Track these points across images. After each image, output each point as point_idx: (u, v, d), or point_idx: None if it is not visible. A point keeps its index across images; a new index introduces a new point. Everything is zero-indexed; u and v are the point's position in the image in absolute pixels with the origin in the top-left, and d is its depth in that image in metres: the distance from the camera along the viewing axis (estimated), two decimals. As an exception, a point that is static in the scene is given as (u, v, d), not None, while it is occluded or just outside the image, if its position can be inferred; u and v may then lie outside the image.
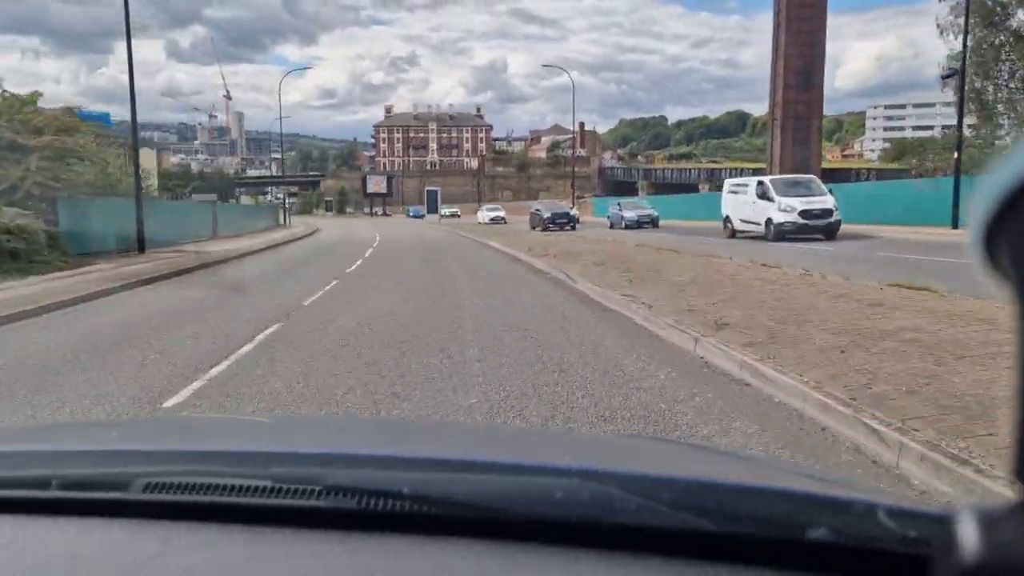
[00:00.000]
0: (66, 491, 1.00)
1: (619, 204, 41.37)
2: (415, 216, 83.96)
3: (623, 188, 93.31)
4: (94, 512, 0.97)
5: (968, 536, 0.44)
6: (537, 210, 40.77)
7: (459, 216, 74.19)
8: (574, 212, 40.47)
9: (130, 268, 17.64)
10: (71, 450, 1.21)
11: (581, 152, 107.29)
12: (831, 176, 53.86)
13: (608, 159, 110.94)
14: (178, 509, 0.95)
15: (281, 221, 63.89)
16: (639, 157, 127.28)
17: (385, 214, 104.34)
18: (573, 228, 37.39)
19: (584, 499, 0.86)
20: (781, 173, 59.20)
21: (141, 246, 22.67)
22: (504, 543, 0.85)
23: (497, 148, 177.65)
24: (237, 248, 28.43)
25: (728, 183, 29.32)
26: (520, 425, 4.74)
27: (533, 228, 38.70)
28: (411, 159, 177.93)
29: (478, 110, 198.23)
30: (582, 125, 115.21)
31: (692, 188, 77.31)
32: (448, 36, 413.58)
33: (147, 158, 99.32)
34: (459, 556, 0.83)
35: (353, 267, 18.47)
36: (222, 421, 2.86)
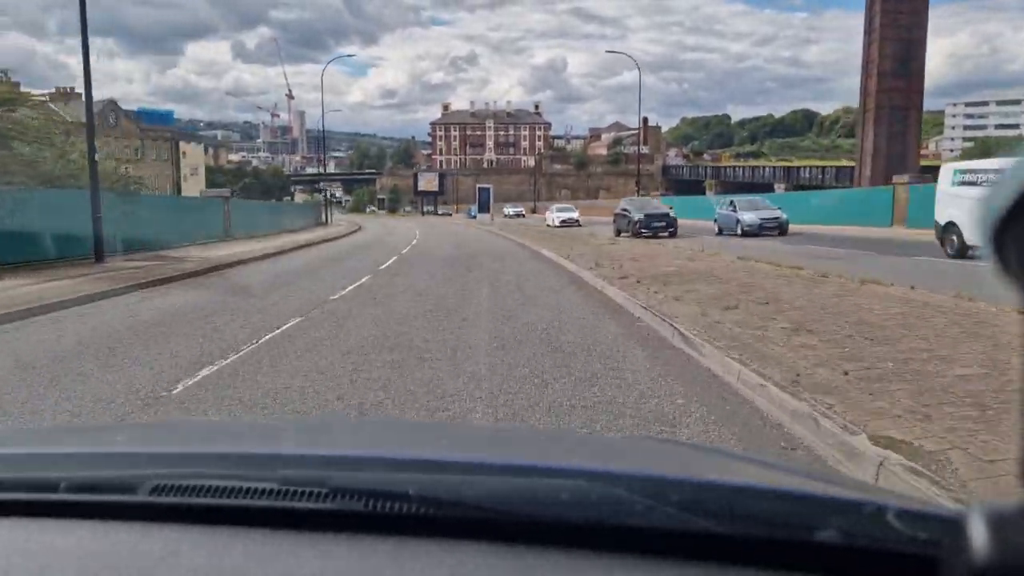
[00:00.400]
0: (74, 493, 1.00)
1: (732, 203, 31.00)
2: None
3: (688, 187, 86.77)
4: (102, 515, 0.96)
5: (978, 537, 0.43)
6: (624, 211, 31.92)
7: (523, 216, 68.22)
8: (672, 214, 30.95)
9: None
10: (79, 452, 1.21)
11: (644, 149, 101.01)
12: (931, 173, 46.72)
13: (672, 156, 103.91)
14: (186, 511, 0.94)
15: (323, 219, 58.74)
16: (705, 155, 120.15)
17: (437, 213, 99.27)
18: (672, 234, 28.94)
19: (591, 501, 0.85)
20: (873, 171, 53.21)
21: (98, 252, 17.48)
22: (511, 545, 0.84)
23: (555, 146, 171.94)
24: (239, 253, 23.14)
25: (954, 170, 18.45)
26: (527, 426, 4.57)
27: (619, 233, 31.08)
28: (467, 157, 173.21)
29: (536, 107, 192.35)
30: (645, 121, 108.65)
31: (765, 188, 70.33)
32: (507, 35, 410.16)
33: (195, 154, 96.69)
34: (466, 558, 0.83)
35: (337, 295, 12.75)
36: (229, 423, 2.96)
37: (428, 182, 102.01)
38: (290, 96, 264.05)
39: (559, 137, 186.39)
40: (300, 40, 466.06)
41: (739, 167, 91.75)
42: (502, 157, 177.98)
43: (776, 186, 69.43)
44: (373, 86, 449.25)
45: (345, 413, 5.04)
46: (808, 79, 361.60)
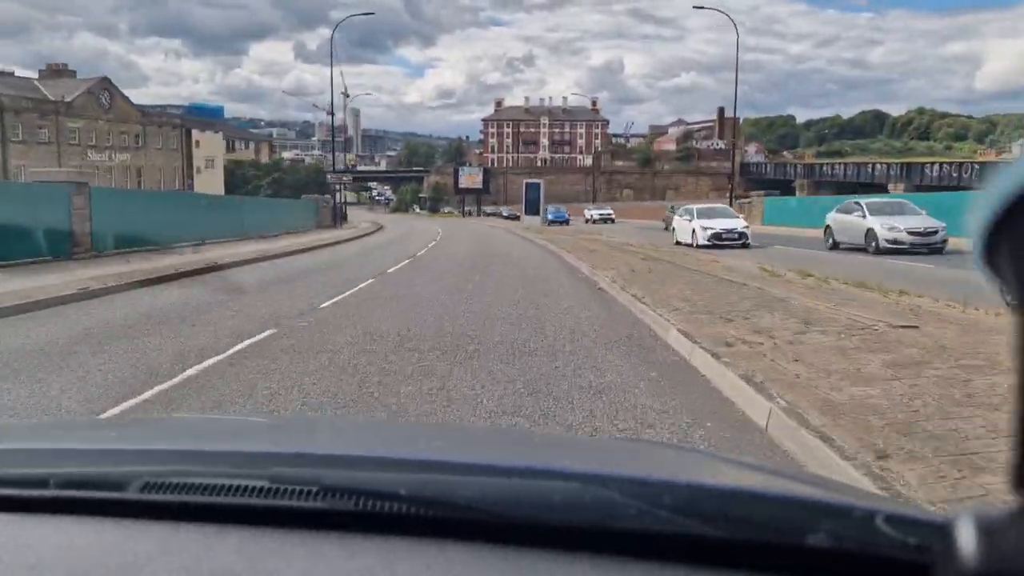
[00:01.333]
0: (64, 490, 0.98)
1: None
2: (557, 219, 55.66)
3: (773, 187, 72.70)
4: (91, 511, 0.95)
5: (967, 543, 0.43)
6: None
7: (613, 221, 56.45)
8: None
9: None
10: (69, 448, 1.19)
11: (719, 144, 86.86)
12: None
13: (753, 153, 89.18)
14: (176, 509, 0.93)
15: (333, 220, 46.90)
16: (785, 153, 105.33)
17: (486, 213, 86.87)
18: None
19: (584, 503, 0.85)
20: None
21: None
22: (502, 547, 0.83)
23: (615, 142, 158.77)
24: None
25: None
26: (520, 427, 4.65)
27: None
28: (520, 155, 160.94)
29: (593, 104, 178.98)
30: (721, 112, 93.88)
31: (877, 188, 56.18)
32: (565, 36, 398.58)
33: (211, 144, 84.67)
34: (457, 559, 0.82)
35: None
36: (220, 421, 2.85)
37: (470, 178, 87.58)
38: (345, 95, 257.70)
39: (618, 135, 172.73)
40: (359, 41, 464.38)
41: (839, 164, 76.07)
42: (557, 156, 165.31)
43: (891, 186, 55.28)
44: (430, 86, 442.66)
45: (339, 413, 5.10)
46: (871, 81, 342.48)
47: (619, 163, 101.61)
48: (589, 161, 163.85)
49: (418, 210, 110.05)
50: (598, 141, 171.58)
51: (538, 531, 0.83)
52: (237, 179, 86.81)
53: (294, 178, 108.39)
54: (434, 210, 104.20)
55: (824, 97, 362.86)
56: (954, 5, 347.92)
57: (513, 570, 0.80)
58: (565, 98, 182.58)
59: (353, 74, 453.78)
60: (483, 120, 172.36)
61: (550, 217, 53.47)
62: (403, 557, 0.82)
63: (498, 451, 1.35)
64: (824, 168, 74.62)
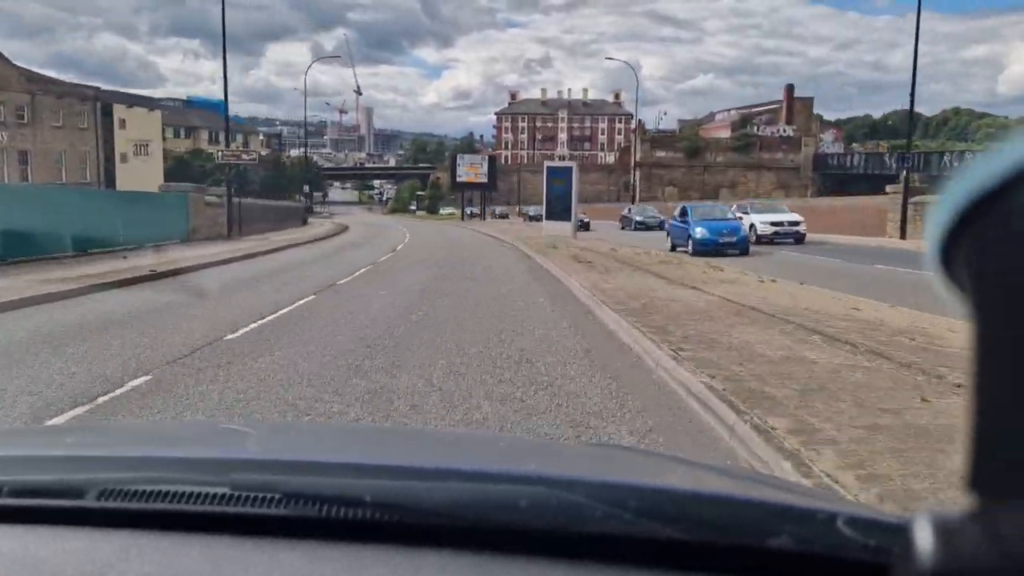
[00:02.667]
0: (18, 498, 0.95)
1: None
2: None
3: (859, 183, 54.88)
4: (48, 520, 0.91)
5: (924, 544, 0.44)
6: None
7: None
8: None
9: None
10: (24, 455, 1.16)
11: (787, 131, 69.08)
12: None
13: (830, 143, 69.98)
14: (135, 517, 0.90)
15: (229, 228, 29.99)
16: (854, 145, 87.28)
17: (495, 214, 69.68)
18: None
19: (550, 507, 0.83)
20: None
21: None
22: (469, 552, 0.81)
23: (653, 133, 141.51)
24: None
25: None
26: (486, 432, 4.50)
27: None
28: (537, 152, 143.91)
29: (616, 97, 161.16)
30: (789, 91, 75.73)
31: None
32: (581, 38, 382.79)
33: (147, 124, 55.78)
34: (423, 565, 0.80)
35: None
36: (181, 426, 2.79)
37: (471, 170, 64.31)
38: (358, 92, 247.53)
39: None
40: (376, 43, 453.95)
41: (955, 153, 57.86)
42: (576, 153, 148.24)
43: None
44: (447, 87, 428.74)
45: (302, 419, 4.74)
46: (890, 84, 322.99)
47: (660, 154, 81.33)
48: (611, 159, 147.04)
49: (416, 210, 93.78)
50: (620, 137, 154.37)
51: (504, 535, 0.81)
52: (196, 171, 69.92)
53: (281, 175, 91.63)
54: (432, 210, 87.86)
55: (844, 100, 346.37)
56: (976, 7, 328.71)
57: (480, 575, 0.78)
58: (585, 90, 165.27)
59: (369, 75, 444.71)
60: (496, 114, 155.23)
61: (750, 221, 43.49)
62: (368, 564, 0.80)
63: (464, 456, 1.32)
64: (944, 160, 56.01)
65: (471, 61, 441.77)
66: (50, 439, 1.57)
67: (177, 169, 74.78)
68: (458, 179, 66.69)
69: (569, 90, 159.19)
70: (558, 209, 29.71)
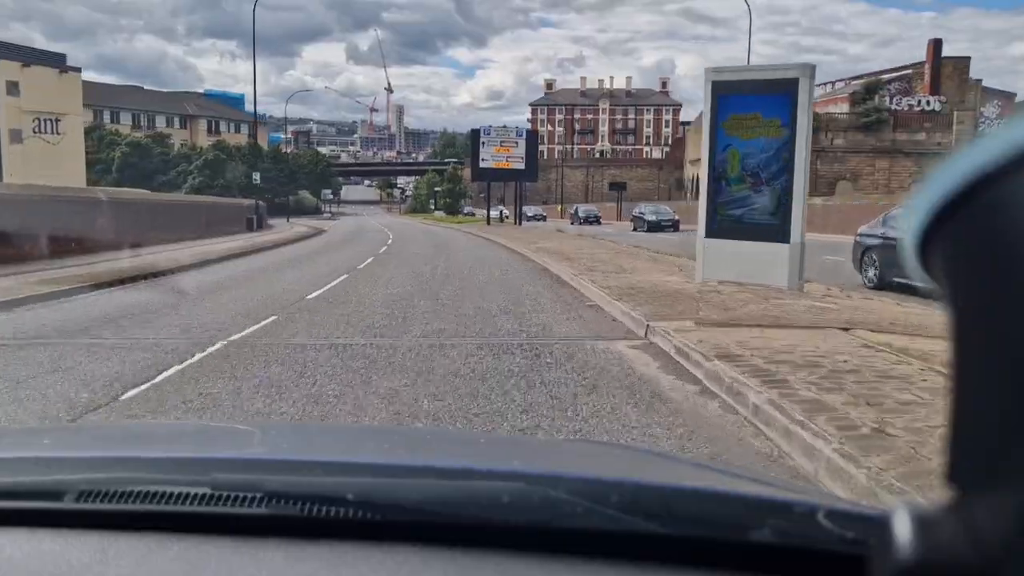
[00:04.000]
0: None
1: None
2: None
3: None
4: (25, 522, 0.88)
5: (903, 536, 0.44)
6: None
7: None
8: None
9: None
10: (0, 457, 1.12)
11: (931, 103, 51.44)
12: None
13: (992, 118, 51.44)
14: (114, 518, 0.87)
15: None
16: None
17: (528, 217, 52.18)
18: None
19: (532, 503, 0.83)
20: None
21: None
22: (452, 549, 0.80)
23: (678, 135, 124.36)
24: None
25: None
26: (467, 429, 4.34)
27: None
28: (575, 147, 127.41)
29: (663, 85, 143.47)
30: (935, 48, 56.75)
31: None
32: (615, 37, 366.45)
33: (50, 87, 26.68)
34: (406, 562, 0.79)
35: None
36: (160, 426, 2.72)
37: (502, 150, 42.54)
38: (389, 90, 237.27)
39: (691, 124, 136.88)
40: (410, 43, 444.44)
41: None
42: (619, 147, 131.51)
43: None
44: (480, 87, 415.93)
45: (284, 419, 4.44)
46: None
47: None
48: (657, 153, 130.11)
49: (434, 210, 77.72)
50: (668, 130, 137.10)
51: (487, 532, 0.81)
52: (155, 161, 54.58)
53: (283, 167, 75.87)
54: (453, 211, 71.89)
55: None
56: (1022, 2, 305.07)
57: (462, 572, 0.78)
58: (629, 78, 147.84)
59: (403, 75, 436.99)
60: (531, 105, 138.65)
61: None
62: (350, 562, 0.79)
63: (446, 453, 1.30)
64: None
65: (504, 61, 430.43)
66: (26, 440, 1.49)
67: (133, 157, 59.56)
68: (482, 163, 42.16)
69: (611, 78, 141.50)
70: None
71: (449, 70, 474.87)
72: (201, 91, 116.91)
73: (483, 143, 42.63)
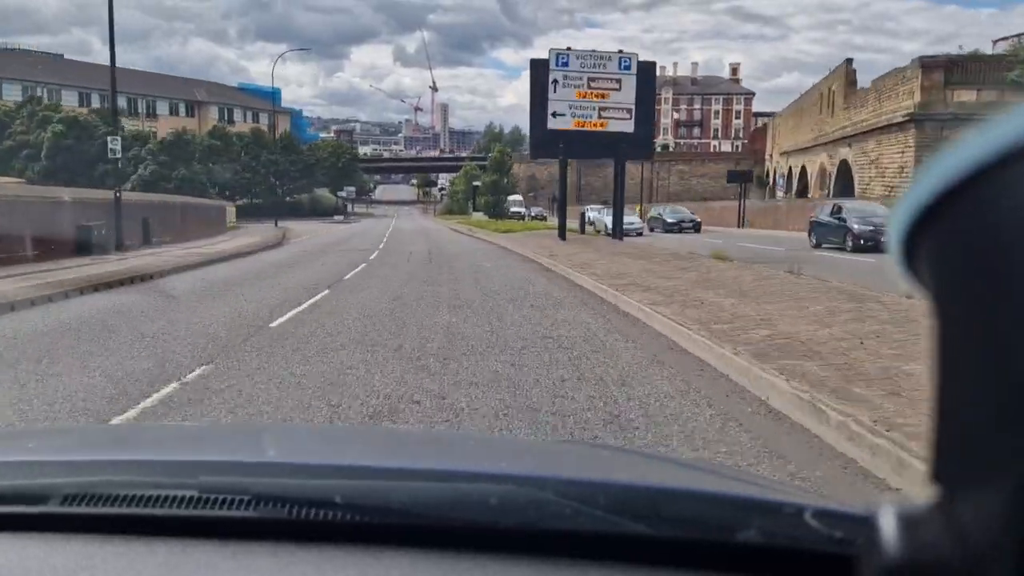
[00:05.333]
0: None
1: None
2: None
3: None
4: (9, 527, 0.86)
5: (889, 535, 0.44)
6: None
7: None
8: None
9: None
10: None
11: None
12: None
13: None
14: (100, 522, 0.85)
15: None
16: None
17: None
18: None
19: (520, 505, 0.82)
20: None
21: None
22: (440, 551, 0.79)
23: (756, 126, 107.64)
24: None
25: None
26: (455, 431, 4.30)
27: None
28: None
29: (733, 72, 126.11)
30: None
31: None
32: (661, 37, 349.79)
33: None
34: (394, 565, 0.77)
35: None
36: (146, 429, 2.65)
37: (592, 100, 22.54)
38: (434, 88, 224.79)
39: (766, 114, 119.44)
40: (456, 44, 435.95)
41: None
42: (684, 141, 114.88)
43: None
44: (525, 89, 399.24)
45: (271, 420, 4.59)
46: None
47: (964, 96, 31.68)
48: (727, 147, 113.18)
49: (472, 212, 61.47)
50: (739, 121, 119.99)
51: (475, 534, 0.80)
52: (99, 146, 39.97)
53: (279, 163, 61.27)
54: (497, 211, 55.48)
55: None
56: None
57: (450, 574, 0.77)
58: (695, 64, 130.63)
59: (448, 76, 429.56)
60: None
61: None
62: (339, 565, 0.78)
63: (433, 455, 1.28)
64: None
65: None
66: (10, 443, 1.45)
67: (67, 139, 45.17)
68: (552, 121, 22.50)
69: (675, 64, 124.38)
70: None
71: (494, 71, 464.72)
72: (235, 84, 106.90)
73: (554, 84, 22.33)
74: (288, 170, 67.27)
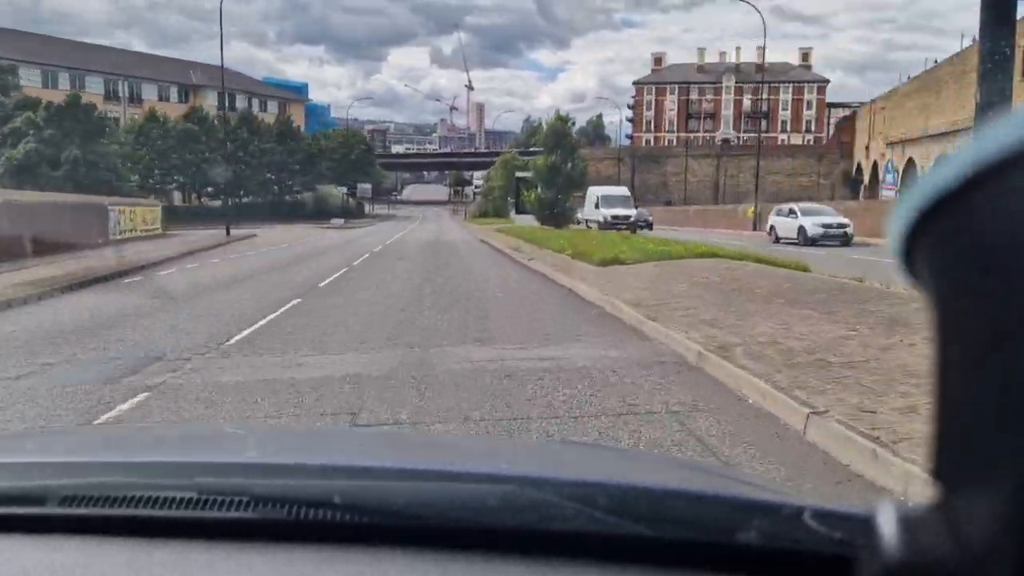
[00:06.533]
0: None
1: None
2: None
3: None
4: (7, 528, 0.85)
5: (889, 536, 0.43)
6: None
7: None
8: None
9: None
10: None
11: None
12: None
13: None
14: (98, 523, 0.84)
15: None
16: None
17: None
18: None
19: (520, 506, 0.80)
20: None
21: None
22: (439, 551, 0.78)
23: (832, 116, 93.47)
24: None
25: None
26: (454, 433, 4.23)
27: None
28: (691, 135, 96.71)
29: (804, 58, 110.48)
30: None
31: None
32: (701, 37, 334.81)
33: None
34: (393, 566, 0.77)
35: None
36: (145, 430, 2.65)
37: None
38: (470, 87, 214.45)
39: (842, 104, 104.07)
40: (492, 46, 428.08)
41: None
42: (749, 134, 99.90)
43: None
44: (562, 90, 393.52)
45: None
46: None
47: None
48: (797, 140, 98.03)
49: (514, 216, 45.78)
50: (811, 112, 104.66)
51: (474, 535, 0.79)
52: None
53: (274, 153, 48.29)
54: (554, 217, 33.20)
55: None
56: None
57: (450, 575, 0.76)
58: (761, 47, 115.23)
59: (485, 78, 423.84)
60: (636, 84, 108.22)
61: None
62: (338, 566, 0.77)
63: (433, 455, 1.27)
64: None
65: (586, 63, 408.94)
66: (8, 444, 1.45)
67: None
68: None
69: (738, 49, 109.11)
70: None
71: (531, 73, 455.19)
72: (259, 78, 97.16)
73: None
74: (286, 162, 53.79)
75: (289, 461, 1.01)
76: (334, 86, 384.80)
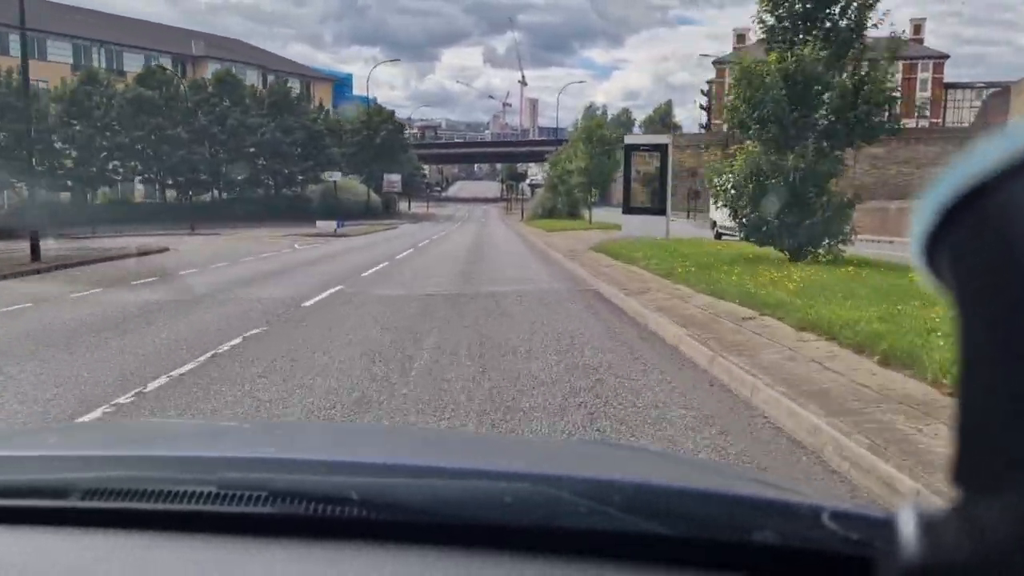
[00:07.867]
0: (0, 499, 0.89)
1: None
2: None
3: None
4: (30, 520, 0.85)
5: (909, 538, 0.42)
6: None
7: None
8: None
9: None
10: (6, 456, 1.08)
11: None
12: None
13: None
14: (120, 516, 0.84)
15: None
16: None
17: None
18: None
19: (534, 503, 0.80)
20: None
21: None
22: (454, 549, 0.78)
23: (951, 99, 76.50)
24: None
25: None
26: (470, 430, 4.38)
27: None
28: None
29: (916, 31, 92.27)
30: None
31: None
32: (758, 32, 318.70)
33: None
34: (409, 562, 0.77)
35: None
36: (165, 425, 2.67)
37: None
38: (523, 83, 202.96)
39: (960, 85, 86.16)
40: (546, 44, 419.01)
41: None
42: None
43: None
44: (616, 88, 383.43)
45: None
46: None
47: None
48: (910, 124, 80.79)
49: (621, 216, 27.50)
50: (926, 93, 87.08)
51: (490, 532, 0.79)
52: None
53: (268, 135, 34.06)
54: (796, 247, 13.09)
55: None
56: None
57: (465, 572, 0.75)
58: (876, 24, 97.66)
59: (538, 77, 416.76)
60: (715, 64, 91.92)
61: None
62: (354, 562, 0.77)
63: (449, 453, 1.26)
64: None
65: (640, 60, 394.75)
66: (32, 439, 1.46)
67: None
68: None
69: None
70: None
71: (584, 71, 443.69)
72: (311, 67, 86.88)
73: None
74: (281, 142, 39.27)
75: (308, 457, 1.01)
76: (388, 86, 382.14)
